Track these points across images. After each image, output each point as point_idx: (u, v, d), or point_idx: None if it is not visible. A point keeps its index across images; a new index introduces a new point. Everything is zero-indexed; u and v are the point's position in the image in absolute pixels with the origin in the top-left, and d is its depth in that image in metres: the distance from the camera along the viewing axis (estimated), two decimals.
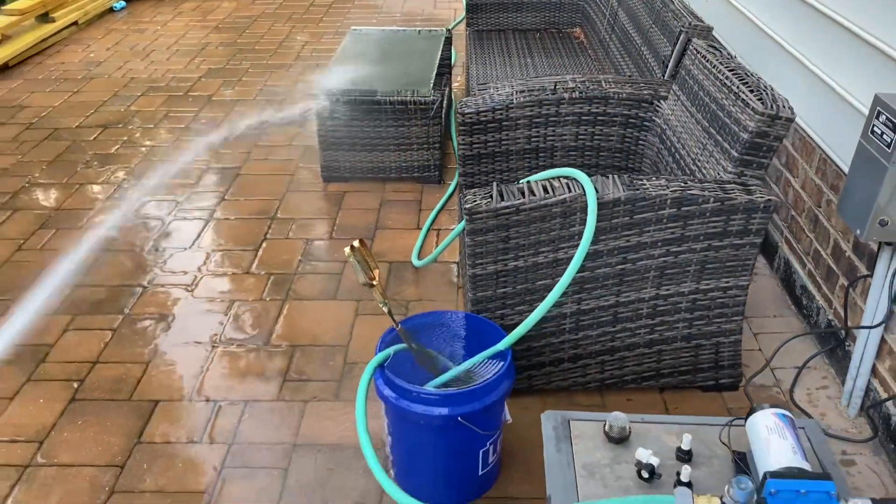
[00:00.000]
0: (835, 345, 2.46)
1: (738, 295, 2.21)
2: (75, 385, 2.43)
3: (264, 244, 3.19)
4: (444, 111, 3.75)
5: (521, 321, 2.09)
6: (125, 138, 4.15)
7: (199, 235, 3.24)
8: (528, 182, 2.10)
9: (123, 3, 6.62)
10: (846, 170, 2.32)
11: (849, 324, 2.36)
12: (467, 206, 2.04)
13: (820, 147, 2.57)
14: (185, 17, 6.34)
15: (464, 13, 6.20)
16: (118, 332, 2.67)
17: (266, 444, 2.21)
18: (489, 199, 2.03)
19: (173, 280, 2.94)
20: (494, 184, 2.08)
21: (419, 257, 3.04)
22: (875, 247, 2.15)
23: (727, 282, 2.18)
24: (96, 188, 3.63)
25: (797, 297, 2.74)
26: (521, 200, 2.02)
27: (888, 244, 2.05)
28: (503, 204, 2.02)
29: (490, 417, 1.91)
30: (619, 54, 3.62)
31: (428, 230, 3.25)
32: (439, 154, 3.60)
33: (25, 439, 2.23)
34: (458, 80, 4.82)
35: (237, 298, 2.85)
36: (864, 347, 2.19)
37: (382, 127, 3.50)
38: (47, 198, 3.54)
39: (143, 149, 4.02)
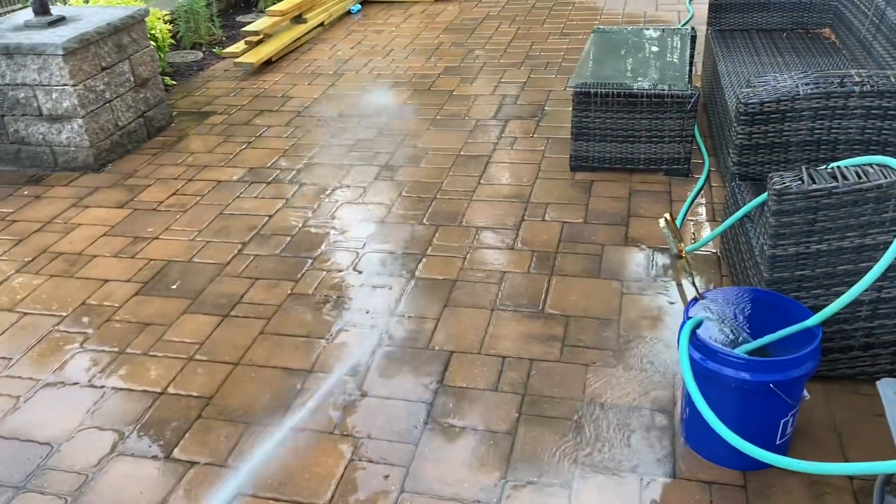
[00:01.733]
0: None
1: None
2: (378, 333, 2.76)
3: (523, 225, 3.42)
4: None
5: (817, 305, 2.15)
6: (380, 127, 4.57)
7: (463, 214, 3.54)
8: (839, 167, 2.15)
9: (359, 7, 7.22)
10: None
11: None
12: (776, 187, 2.13)
13: None
14: (415, 20, 6.81)
15: (689, 14, 6.23)
16: (407, 290, 2.99)
17: (556, 398, 2.42)
18: (799, 181, 2.11)
19: (447, 253, 3.24)
20: (803, 167, 2.15)
21: None
22: None
23: None
24: (367, 169, 4.04)
25: None
26: (833, 184, 2.08)
27: None
28: (815, 186, 2.09)
29: (798, 389, 1.99)
30: (886, 54, 3.52)
31: (683, 219, 3.34)
32: (690, 147, 3.67)
33: (347, 373, 2.57)
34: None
35: (506, 270, 3.09)
36: None
37: (636, 119, 3.63)
38: (326, 176, 4.00)
39: (399, 137, 4.41)
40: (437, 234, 3.38)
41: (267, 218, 3.59)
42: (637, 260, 3.09)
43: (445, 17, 6.83)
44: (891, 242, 2.05)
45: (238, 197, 3.81)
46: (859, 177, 2.09)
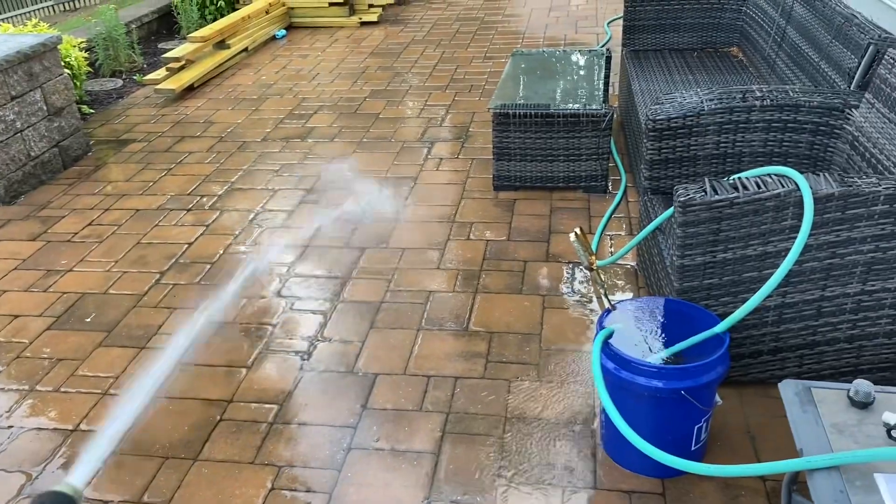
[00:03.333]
0: None
1: None
2: (302, 358, 2.72)
3: (449, 244, 3.44)
4: None
5: (726, 312, 2.22)
6: (307, 151, 4.54)
7: (390, 235, 3.53)
8: (739, 178, 2.24)
9: (284, 32, 7.20)
10: None
11: None
12: (681, 198, 2.19)
13: None
14: (340, 45, 6.82)
15: (607, 37, 6.42)
16: (332, 314, 2.96)
17: (479, 415, 2.42)
18: (703, 193, 2.18)
19: (375, 273, 3.23)
20: (706, 178, 2.23)
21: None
22: None
23: None
24: (289, 194, 4.00)
25: None
26: (735, 194, 2.16)
27: None
28: (717, 197, 2.17)
29: (709, 395, 2.05)
30: (788, 70, 3.70)
31: (601, 234, 3.41)
32: (606, 165, 3.77)
33: (269, 401, 2.52)
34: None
35: (432, 290, 3.10)
36: None
37: (554, 139, 3.71)
38: (249, 201, 3.94)
39: (325, 160, 4.40)
40: (362, 257, 3.36)
41: (186, 246, 3.51)
42: (558, 275, 3.14)
43: (371, 41, 6.87)
44: (790, 249, 2.13)
45: (157, 225, 3.72)
46: (759, 187, 2.18)
